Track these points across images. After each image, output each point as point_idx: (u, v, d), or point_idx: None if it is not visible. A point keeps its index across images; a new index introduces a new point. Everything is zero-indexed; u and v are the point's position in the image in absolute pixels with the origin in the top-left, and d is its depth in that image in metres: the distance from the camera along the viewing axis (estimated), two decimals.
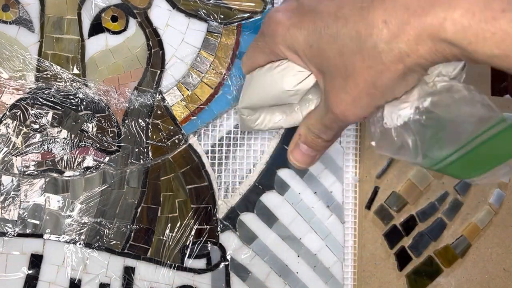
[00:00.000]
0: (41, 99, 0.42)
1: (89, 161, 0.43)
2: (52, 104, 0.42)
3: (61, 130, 0.42)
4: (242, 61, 0.38)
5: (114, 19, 0.44)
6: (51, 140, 0.42)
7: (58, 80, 0.43)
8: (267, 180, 0.46)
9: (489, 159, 0.34)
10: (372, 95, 0.30)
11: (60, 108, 0.42)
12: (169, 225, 0.44)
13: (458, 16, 0.24)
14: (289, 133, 0.46)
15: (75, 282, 0.42)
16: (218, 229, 0.45)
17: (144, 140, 0.44)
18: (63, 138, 0.42)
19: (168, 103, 0.45)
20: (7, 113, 0.42)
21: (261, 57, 0.35)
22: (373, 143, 0.37)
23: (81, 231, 0.43)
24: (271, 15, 0.32)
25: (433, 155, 0.35)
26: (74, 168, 0.43)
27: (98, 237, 0.43)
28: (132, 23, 0.44)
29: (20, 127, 0.42)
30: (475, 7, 0.24)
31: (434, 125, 0.32)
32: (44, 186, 0.42)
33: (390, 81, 0.29)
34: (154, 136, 0.44)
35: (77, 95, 0.43)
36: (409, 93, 0.33)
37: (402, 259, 0.48)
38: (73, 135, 0.42)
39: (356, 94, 0.30)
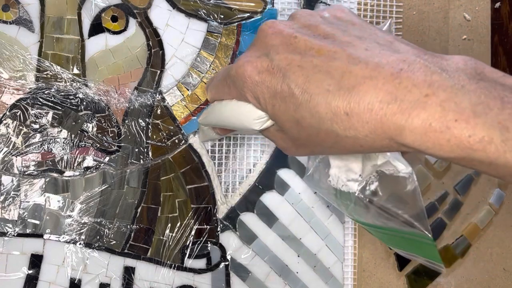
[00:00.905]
0: (41, 99, 0.42)
1: (89, 161, 0.43)
2: (52, 104, 0.42)
3: (61, 130, 0.42)
4: (207, 87, 0.39)
5: (114, 19, 0.44)
6: (51, 140, 0.42)
7: (58, 80, 0.43)
8: (267, 180, 0.46)
9: (405, 246, 0.39)
10: (317, 154, 0.35)
11: (60, 108, 0.42)
12: (169, 225, 0.44)
13: (416, 126, 0.27)
14: None
15: (75, 282, 0.42)
16: (218, 229, 0.45)
17: (144, 140, 0.44)
18: (63, 138, 0.42)
19: (168, 103, 0.45)
20: (7, 113, 0.42)
21: (228, 94, 0.36)
22: (307, 174, 0.41)
23: (81, 231, 0.43)
24: (242, 66, 0.33)
25: (358, 218, 0.39)
26: (74, 168, 0.43)
27: (98, 237, 0.43)
28: (132, 23, 0.44)
29: (20, 127, 0.42)
30: (431, 118, 0.26)
31: (371, 204, 0.37)
32: (44, 186, 0.42)
33: (338, 153, 0.33)
34: (154, 136, 0.44)
35: (77, 95, 0.43)
36: (354, 161, 0.37)
37: (402, 259, 0.48)
38: (73, 135, 0.42)
39: (301, 150, 0.34)
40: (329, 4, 0.48)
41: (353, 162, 0.37)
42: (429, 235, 0.35)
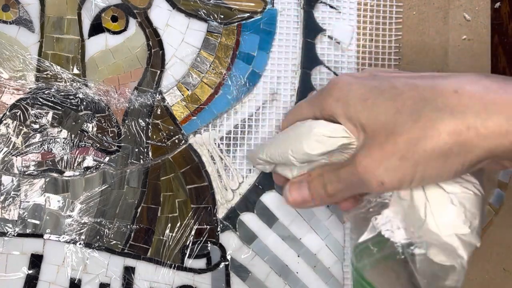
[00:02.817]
0: (41, 99, 0.42)
1: (89, 161, 0.43)
2: (52, 104, 0.42)
3: (61, 130, 0.42)
4: (284, 120, 0.39)
5: (114, 19, 0.44)
6: (51, 140, 0.42)
7: (58, 80, 0.43)
8: (267, 180, 0.46)
9: None
10: (403, 161, 0.29)
11: (60, 108, 0.42)
12: (169, 225, 0.44)
13: None
14: None
15: (75, 282, 0.42)
16: (218, 229, 0.45)
17: (144, 140, 0.44)
18: (63, 138, 0.42)
19: (168, 103, 0.45)
20: (7, 113, 0.42)
21: (307, 113, 0.34)
22: (345, 219, 0.38)
23: (81, 231, 0.43)
24: (340, 77, 0.33)
25: (362, 271, 0.35)
26: (74, 168, 0.43)
27: (98, 237, 0.43)
28: (132, 23, 0.44)
29: (20, 127, 0.42)
30: None
31: (401, 266, 0.32)
32: (44, 186, 0.42)
33: (429, 153, 0.28)
34: (154, 136, 0.44)
35: (77, 95, 0.43)
36: (412, 214, 0.32)
37: None
38: (73, 135, 0.42)
39: (389, 152, 0.29)
40: (329, 4, 0.48)
41: (412, 213, 0.32)
42: None
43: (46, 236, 0.42)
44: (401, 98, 0.29)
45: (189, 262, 0.44)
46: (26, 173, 0.42)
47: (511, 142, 0.26)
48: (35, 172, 0.42)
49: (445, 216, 0.31)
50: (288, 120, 0.38)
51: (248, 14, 0.46)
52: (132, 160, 0.44)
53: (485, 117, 0.26)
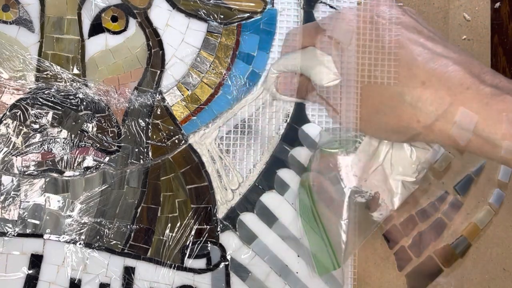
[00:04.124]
0: (41, 99, 0.42)
1: (89, 161, 0.43)
2: (52, 104, 0.42)
3: (61, 130, 0.42)
4: (288, 34, 0.43)
5: (114, 19, 0.44)
6: (51, 140, 0.42)
7: (58, 80, 0.43)
8: (267, 180, 0.46)
9: (313, 240, 0.43)
10: (366, 121, 0.35)
11: (60, 108, 0.42)
12: (169, 225, 0.44)
13: (491, 114, 0.29)
14: (289, 133, 0.46)
15: (75, 282, 0.42)
16: (218, 229, 0.45)
17: (144, 140, 0.44)
18: (63, 138, 0.42)
19: (168, 103, 0.45)
20: (7, 113, 0.42)
21: (311, 38, 0.40)
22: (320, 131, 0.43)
23: (81, 231, 0.43)
24: (347, 12, 0.36)
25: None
26: (74, 168, 0.43)
27: (98, 237, 0.43)
28: (132, 23, 0.44)
29: (20, 127, 0.42)
30: (508, 110, 0.28)
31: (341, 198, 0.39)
32: (44, 186, 0.42)
33: (383, 124, 0.34)
34: (154, 136, 0.44)
35: (77, 95, 0.43)
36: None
37: (402, 259, 0.48)
38: (73, 135, 0.42)
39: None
40: (329, 4, 0.48)
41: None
42: (337, 264, 0.40)
43: (46, 236, 0.42)
44: (397, 61, 0.33)
45: (189, 262, 0.44)
46: (26, 173, 0.42)
47: (453, 141, 0.31)
48: (35, 172, 0.42)
49: (400, 164, 0.37)
50: (289, 47, 0.42)
51: (248, 14, 0.46)
52: (132, 160, 0.44)
53: (435, 119, 0.30)
